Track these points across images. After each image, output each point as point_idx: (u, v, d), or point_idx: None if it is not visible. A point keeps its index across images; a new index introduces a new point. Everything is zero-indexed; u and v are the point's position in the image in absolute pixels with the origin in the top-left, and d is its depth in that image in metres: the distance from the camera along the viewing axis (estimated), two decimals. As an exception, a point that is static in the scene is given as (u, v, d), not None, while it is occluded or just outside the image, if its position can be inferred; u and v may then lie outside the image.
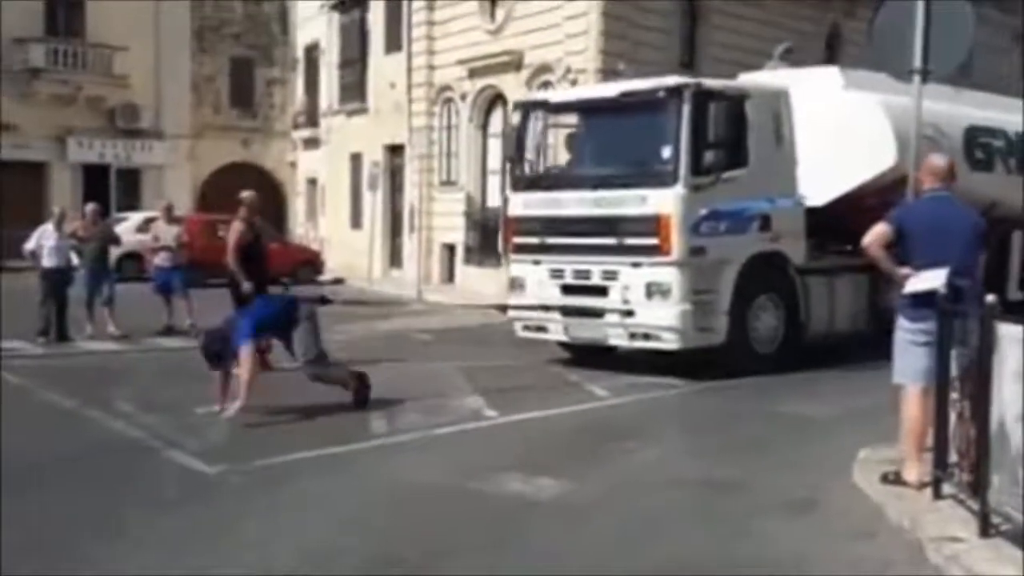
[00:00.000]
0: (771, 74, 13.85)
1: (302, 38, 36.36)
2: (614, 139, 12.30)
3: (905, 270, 6.60)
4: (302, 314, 9.44)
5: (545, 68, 22.47)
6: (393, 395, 10.17)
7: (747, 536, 5.90)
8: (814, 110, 12.46)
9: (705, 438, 8.62)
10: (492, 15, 24.72)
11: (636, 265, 11.18)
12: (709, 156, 11.10)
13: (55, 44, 32.50)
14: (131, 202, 32.23)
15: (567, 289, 11.90)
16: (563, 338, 12.27)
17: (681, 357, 11.38)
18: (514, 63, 23.41)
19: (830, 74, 13.48)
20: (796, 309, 12.15)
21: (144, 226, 21.48)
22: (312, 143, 35.26)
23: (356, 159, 30.95)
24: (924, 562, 5.31)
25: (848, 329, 12.88)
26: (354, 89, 31.48)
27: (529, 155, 12.71)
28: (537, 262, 12.19)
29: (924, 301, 6.38)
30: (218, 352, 9.10)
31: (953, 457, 6.07)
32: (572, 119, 13.01)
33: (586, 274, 11.68)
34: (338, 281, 28.21)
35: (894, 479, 6.55)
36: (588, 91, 15.70)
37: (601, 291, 11.52)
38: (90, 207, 15.99)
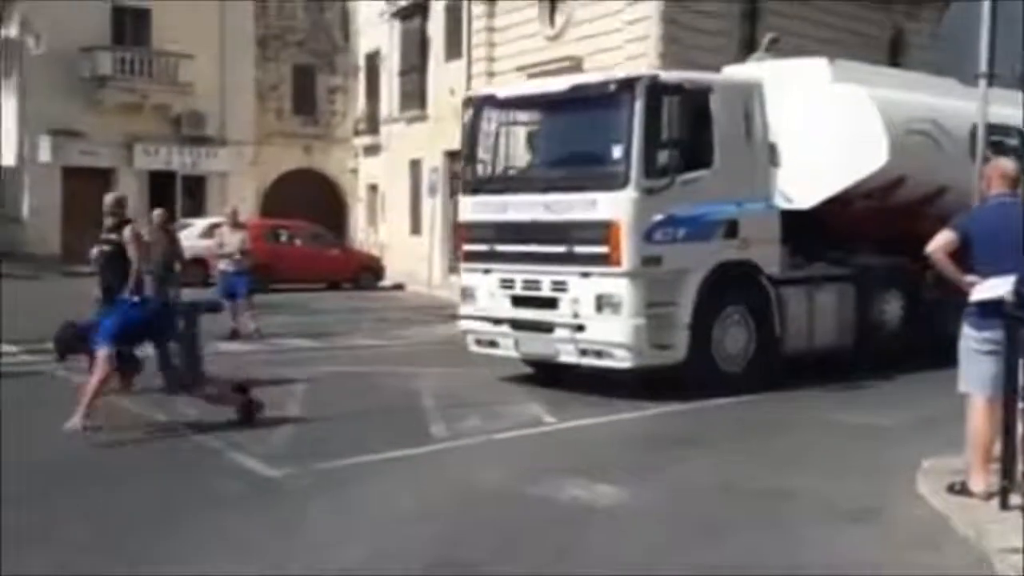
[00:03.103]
0: (756, 66, 12.94)
1: (364, 46, 36.68)
2: (565, 138, 11.50)
3: (971, 278, 6.48)
4: (178, 322, 8.80)
5: (604, 74, 22.44)
6: (453, 400, 10.23)
7: (807, 545, 5.84)
8: (800, 105, 11.65)
9: (763, 446, 8.51)
10: (551, 21, 24.76)
11: (586, 275, 10.30)
12: (666, 156, 10.10)
13: (122, 53, 33.12)
14: (196, 208, 32.78)
15: (517, 301, 10.99)
16: (513, 354, 11.31)
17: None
18: (573, 69, 23.37)
19: (817, 66, 12.40)
20: (769, 323, 11.08)
21: (209, 232, 21.80)
22: (373, 150, 35.55)
23: (416, 165, 31.16)
24: (989, 573, 5.23)
25: (832, 345, 11.85)
26: (414, 96, 31.72)
27: (481, 155, 11.75)
28: (487, 271, 11.26)
29: (991, 309, 6.27)
30: (67, 347, 8.80)
31: (1021, 467, 5.97)
32: (525, 116, 11.99)
33: (536, 285, 10.78)
34: (398, 287, 28.42)
35: (960, 489, 6.44)
36: (538, 85, 14.65)
37: (551, 303, 10.63)
38: (156, 212, 16.24)
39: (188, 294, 16.09)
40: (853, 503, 6.61)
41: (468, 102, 12.54)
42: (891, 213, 12.01)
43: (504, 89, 13.48)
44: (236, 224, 16.56)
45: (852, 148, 11.53)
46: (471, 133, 11.80)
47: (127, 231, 10.39)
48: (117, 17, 33.38)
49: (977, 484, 6.36)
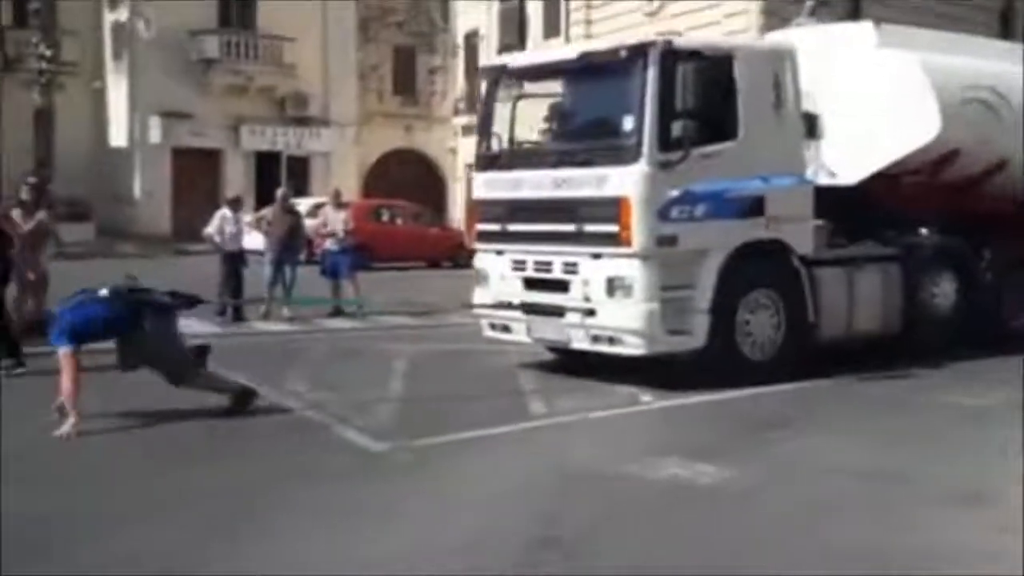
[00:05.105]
0: (798, 32, 12.18)
1: (462, 25, 36.90)
2: (577, 109, 10.81)
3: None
4: (147, 321, 8.13)
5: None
6: (550, 378, 10.30)
7: (912, 528, 5.65)
8: (844, 73, 10.96)
9: (866, 427, 8.31)
10: (650, -4, 24.61)
11: (596, 256, 9.62)
12: (682, 127, 9.26)
13: (228, 36, 33.98)
14: (300, 188, 33.39)
15: (529, 283, 10.32)
16: (525, 339, 10.67)
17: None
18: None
19: (863, 30, 11.55)
20: (802, 307, 10.20)
21: (313, 212, 22.21)
22: (471, 129, 35.53)
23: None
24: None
25: (875, 331, 10.89)
26: (513, 74, 31.77)
27: (496, 129, 10.96)
28: (500, 252, 10.61)
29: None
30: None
31: None
32: (539, 87, 11.22)
33: (547, 266, 10.10)
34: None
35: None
36: (548, 54, 13.87)
37: (562, 286, 9.94)
38: (280, 192, 16.64)
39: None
40: (962, 486, 6.41)
41: (484, 72, 11.98)
42: (944, 189, 11.35)
43: (516, 58, 12.78)
44: (339, 204, 16.85)
45: (900, 119, 10.78)
46: (486, 106, 11.22)
47: None
48: (224, 1, 34.16)
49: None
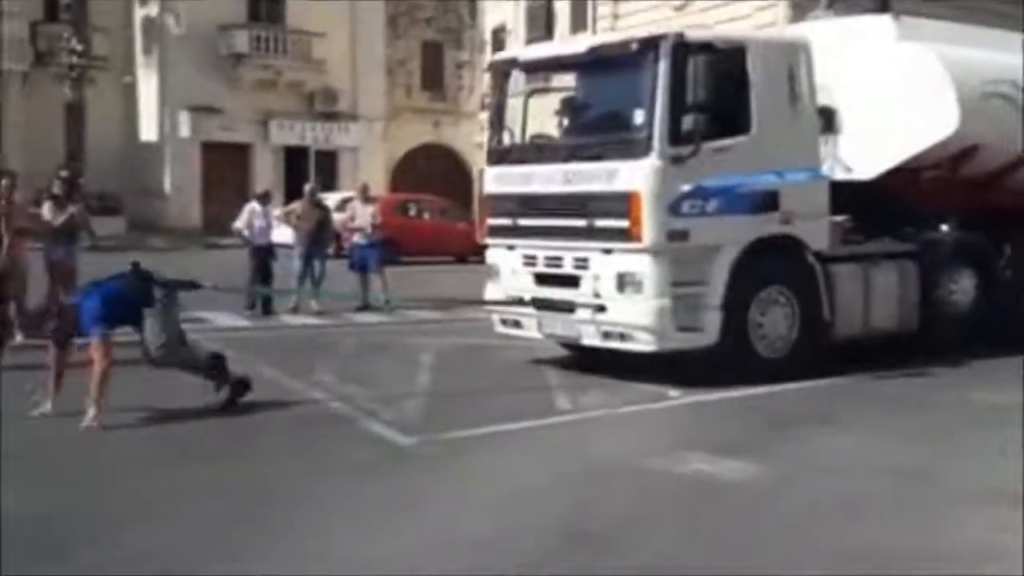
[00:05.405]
0: (816, 24, 11.97)
1: (490, 21, 36.98)
2: (587, 103, 10.69)
3: None
4: (157, 296, 8.08)
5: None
6: (575, 372, 10.33)
7: (940, 527, 5.63)
8: (862, 66, 10.80)
9: (894, 424, 8.33)
10: (678, -9, 24.57)
11: (607, 252, 9.53)
12: (693, 121, 9.11)
13: (257, 31, 34.17)
14: (328, 182, 33.56)
15: (540, 279, 10.23)
16: (536, 335, 10.55)
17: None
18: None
19: (881, 23, 11.34)
20: (816, 304, 10.05)
21: (341, 206, 22.34)
22: (499, 124, 35.79)
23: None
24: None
25: (891, 328, 10.71)
26: (540, 69, 31.83)
27: (507, 123, 10.84)
28: (511, 247, 10.53)
29: None
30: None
31: None
32: (549, 81, 11.18)
33: (558, 261, 10.02)
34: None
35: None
36: (559, 47, 13.68)
37: (573, 281, 9.85)
38: (308, 187, 16.80)
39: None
40: (988, 484, 6.36)
41: (494, 65, 11.90)
42: (964, 184, 11.20)
43: (526, 51, 12.63)
44: (367, 198, 16.97)
45: (918, 113, 10.63)
46: (497, 100, 11.18)
47: None
48: (253, -4, 34.44)
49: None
